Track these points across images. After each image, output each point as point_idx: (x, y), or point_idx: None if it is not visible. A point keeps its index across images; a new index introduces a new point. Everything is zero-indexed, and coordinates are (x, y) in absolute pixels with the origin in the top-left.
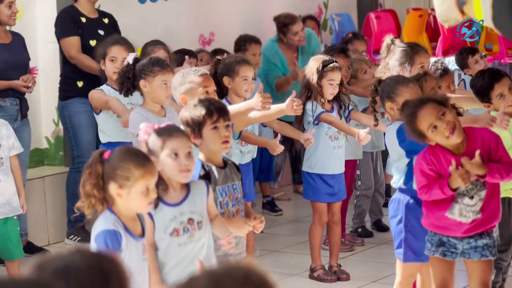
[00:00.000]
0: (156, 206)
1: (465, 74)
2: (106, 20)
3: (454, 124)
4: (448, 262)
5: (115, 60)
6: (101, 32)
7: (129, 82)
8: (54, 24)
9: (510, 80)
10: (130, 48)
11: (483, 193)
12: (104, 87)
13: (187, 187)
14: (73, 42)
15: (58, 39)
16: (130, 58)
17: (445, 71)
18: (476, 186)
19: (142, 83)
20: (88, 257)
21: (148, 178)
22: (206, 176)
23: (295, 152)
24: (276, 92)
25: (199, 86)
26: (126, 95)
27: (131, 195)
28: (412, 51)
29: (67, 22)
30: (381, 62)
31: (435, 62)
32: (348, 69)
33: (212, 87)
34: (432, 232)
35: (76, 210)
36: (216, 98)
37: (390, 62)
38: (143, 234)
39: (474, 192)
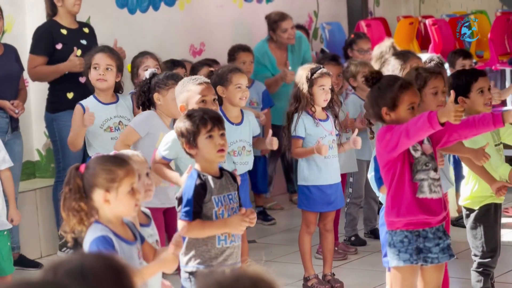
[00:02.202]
0: None
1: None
2: (86, 30)
3: None
4: (417, 270)
5: (98, 67)
6: (84, 42)
7: (144, 95)
8: (32, 38)
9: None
10: (114, 55)
11: (438, 168)
12: (90, 99)
13: (144, 214)
14: (38, 61)
15: (29, 52)
16: (147, 73)
17: (442, 65)
18: (432, 158)
19: (155, 96)
20: (98, 257)
21: (132, 177)
22: (202, 186)
23: (287, 161)
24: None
25: (196, 95)
26: (143, 108)
27: (119, 197)
28: (404, 58)
29: (40, 40)
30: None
31: (431, 60)
32: (339, 77)
33: (211, 96)
34: (405, 240)
35: (63, 233)
36: (217, 107)
37: (389, 69)
38: (135, 239)
39: (435, 164)
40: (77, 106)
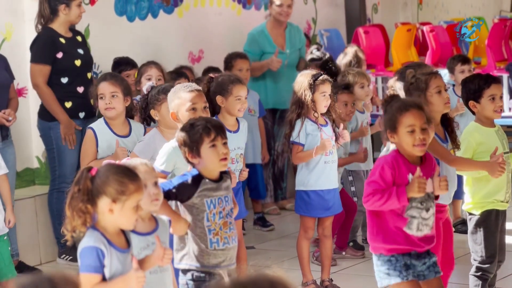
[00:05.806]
0: None
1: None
2: (79, 38)
3: (425, 142)
4: (416, 285)
5: (104, 97)
6: (81, 51)
7: (144, 112)
8: (30, 46)
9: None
10: (117, 81)
11: (433, 207)
12: (100, 123)
13: (154, 219)
14: (43, 71)
15: (31, 62)
16: (145, 87)
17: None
18: (429, 197)
19: (152, 112)
20: (53, 279)
21: (140, 193)
22: (194, 180)
23: (278, 169)
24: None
25: (187, 102)
26: (148, 123)
27: (124, 210)
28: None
29: (44, 48)
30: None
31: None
32: (353, 106)
33: (201, 104)
34: (392, 259)
35: (65, 232)
36: (207, 114)
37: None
38: (128, 246)
39: (429, 204)
40: (89, 131)
